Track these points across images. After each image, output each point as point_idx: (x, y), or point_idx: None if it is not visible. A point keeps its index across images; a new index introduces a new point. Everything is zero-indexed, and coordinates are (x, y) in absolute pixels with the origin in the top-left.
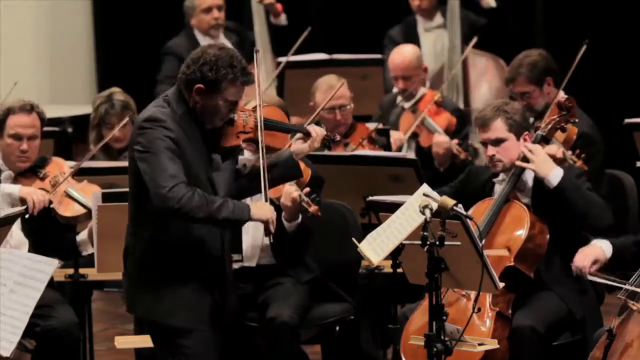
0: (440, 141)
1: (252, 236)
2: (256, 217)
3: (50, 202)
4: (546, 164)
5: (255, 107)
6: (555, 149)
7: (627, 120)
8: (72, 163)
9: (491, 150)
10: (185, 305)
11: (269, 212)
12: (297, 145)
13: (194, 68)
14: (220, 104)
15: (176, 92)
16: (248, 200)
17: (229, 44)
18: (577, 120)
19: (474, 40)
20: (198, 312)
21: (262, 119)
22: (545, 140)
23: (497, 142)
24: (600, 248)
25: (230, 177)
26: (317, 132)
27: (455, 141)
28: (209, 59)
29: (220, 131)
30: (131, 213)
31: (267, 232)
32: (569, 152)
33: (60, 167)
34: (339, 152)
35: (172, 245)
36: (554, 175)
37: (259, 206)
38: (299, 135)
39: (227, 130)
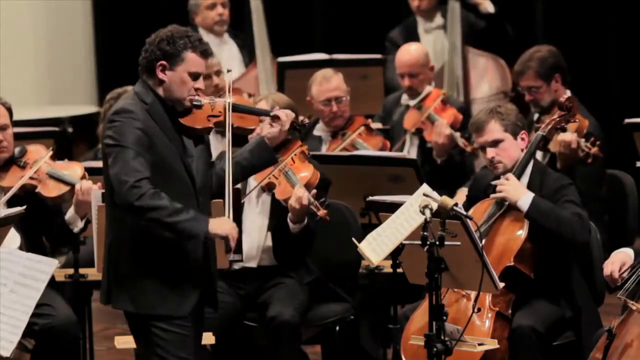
0: (441, 130)
1: (253, 237)
2: (213, 232)
3: (35, 187)
4: (516, 190)
5: (222, 94)
6: (570, 136)
7: (627, 120)
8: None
9: (490, 152)
10: (165, 298)
11: (228, 228)
12: (266, 129)
13: (152, 49)
14: (185, 76)
15: (141, 82)
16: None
17: (234, 45)
18: (577, 121)
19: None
20: (178, 305)
21: (230, 123)
22: (545, 140)
23: (495, 143)
24: (623, 252)
25: (205, 167)
26: (286, 115)
27: (459, 134)
28: (164, 35)
29: (190, 115)
30: (109, 210)
31: (226, 248)
32: (583, 140)
33: (38, 152)
34: (336, 145)
35: (151, 241)
36: (524, 201)
37: (219, 222)
38: (267, 119)
39: (197, 114)
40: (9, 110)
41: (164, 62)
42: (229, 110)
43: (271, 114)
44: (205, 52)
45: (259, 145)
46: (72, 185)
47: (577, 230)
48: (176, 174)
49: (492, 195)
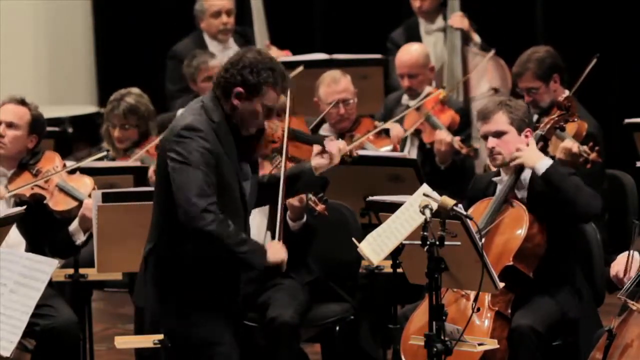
0: (443, 138)
1: (253, 236)
2: (272, 261)
3: (44, 197)
4: (534, 154)
5: (281, 115)
6: (571, 143)
7: (627, 120)
8: (70, 162)
9: (492, 142)
10: (212, 317)
11: (282, 253)
12: (316, 160)
13: (233, 71)
14: (259, 109)
15: (212, 98)
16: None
17: (237, 48)
18: (576, 120)
19: (492, 52)
20: (225, 324)
21: (289, 132)
22: (544, 140)
23: (498, 134)
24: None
25: (255, 187)
26: (337, 148)
27: (458, 138)
28: (248, 62)
29: (252, 140)
30: (158, 219)
31: (278, 272)
32: (581, 146)
33: (52, 161)
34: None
35: (196, 255)
36: (542, 164)
37: (274, 249)
38: (317, 148)
39: (259, 139)
40: (33, 117)
41: (241, 90)
42: (285, 138)
43: (326, 146)
44: (285, 89)
45: (308, 173)
46: (81, 201)
47: (594, 199)
48: (232, 195)
49: (511, 164)
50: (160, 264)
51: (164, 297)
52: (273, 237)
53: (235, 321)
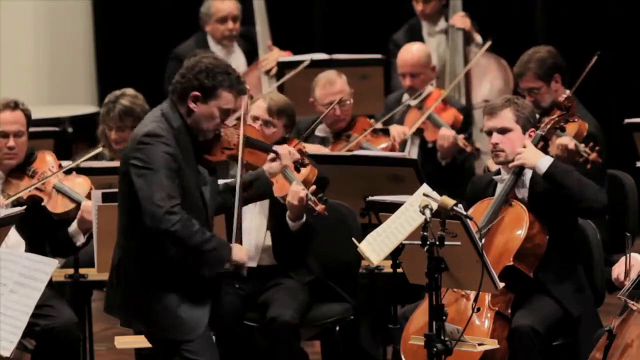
0: (447, 134)
1: (253, 237)
2: (236, 259)
3: (42, 199)
4: (533, 154)
5: (236, 123)
6: (568, 140)
7: (627, 120)
8: (66, 162)
9: (496, 138)
10: (182, 320)
11: (245, 255)
12: (268, 164)
13: (189, 76)
14: (215, 112)
15: (171, 105)
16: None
17: (241, 53)
18: (576, 120)
19: (488, 43)
20: (195, 324)
21: (244, 139)
22: (544, 140)
23: (503, 131)
24: (632, 257)
25: (214, 192)
26: (286, 152)
27: (462, 136)
28: (204, 66)
29: (209, 145)
30: (122, 227)
31: (240, 273)
32: (582, 145)
33: (47, 161)
34: (341, 146)
35: (165, 260)
36: (542, 162)
37: (239, 248)
38: (272, 154)
39: (215, 145)
40: (28, 117)
41: (198, 94)
42: (242, 146)
43: (275, 149)
44: (241, 91)
45: (260, 179)
46: (78, 203)
47: (600, 193)
48: (193, 200)
49: (510, 165)
50: (129, 271)
51: (132, 301)
52: (273, 236)
53: (214, 319)
